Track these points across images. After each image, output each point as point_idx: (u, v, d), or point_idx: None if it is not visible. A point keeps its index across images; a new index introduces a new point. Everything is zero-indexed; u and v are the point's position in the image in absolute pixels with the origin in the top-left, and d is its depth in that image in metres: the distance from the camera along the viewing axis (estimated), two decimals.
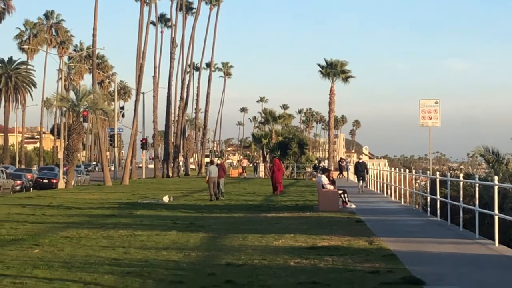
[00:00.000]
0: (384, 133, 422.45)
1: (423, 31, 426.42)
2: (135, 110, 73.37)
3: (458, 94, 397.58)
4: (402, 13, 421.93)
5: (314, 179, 59.38)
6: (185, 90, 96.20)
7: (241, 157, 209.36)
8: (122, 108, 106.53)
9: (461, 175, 25.64)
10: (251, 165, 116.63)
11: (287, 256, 15.35)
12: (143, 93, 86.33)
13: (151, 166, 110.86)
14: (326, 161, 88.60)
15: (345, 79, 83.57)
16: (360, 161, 49.64)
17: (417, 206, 30.09)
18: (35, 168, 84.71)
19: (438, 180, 25.36)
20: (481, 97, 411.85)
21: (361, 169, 44.81)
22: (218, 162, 42.38)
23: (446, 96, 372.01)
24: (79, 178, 68.50)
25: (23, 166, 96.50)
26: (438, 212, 24.41)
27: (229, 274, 12.96)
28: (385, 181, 42.00)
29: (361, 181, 44.71)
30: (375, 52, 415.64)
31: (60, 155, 62.04)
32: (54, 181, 59.93)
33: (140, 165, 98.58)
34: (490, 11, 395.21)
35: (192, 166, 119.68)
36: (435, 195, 25.03)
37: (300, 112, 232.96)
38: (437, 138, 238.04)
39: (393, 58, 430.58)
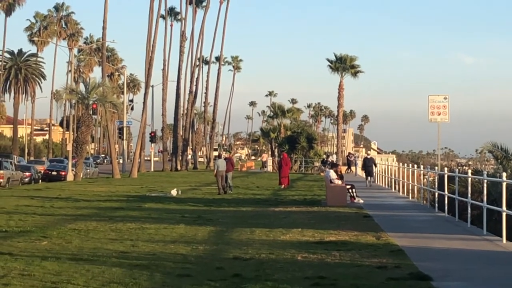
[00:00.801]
0: (392, 128, 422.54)
1: (432, 26, 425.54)
2: (144, 103, 73.49)
3: (468, 89, 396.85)
4: (411, 7, 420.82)
5: (322, 174, 59.38)
6: (194, 83, 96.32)
7: (250, 150, 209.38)
8: (131, 101, 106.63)
9: (469, 171, 25.60)
10: (259, 159, 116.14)
11: (294, 250, 15.37)
12: (152, 86, 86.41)
13: (156, 159, 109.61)
14: (335, 156, 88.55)
15: (354, 74, 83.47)
16: (368, 156, 50.32)
17: (425, 201, 30.07)
18: (44, 159, 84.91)
19: (446, 176, 25.35)
20: (491, 92, 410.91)
21: (369, 164, 45.66)
22: (226, 155, 42.39)
23: (456, 91, 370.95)
24: (88, 170, 68.63)
25: (32, 158, 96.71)
26: (446, 208, 24.39)
27: (237, 268, 12.99)
28: (393, 177, 41.97)
29: (369, 176, 45.72)
30: (385, 47, 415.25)
31: (69, 147, 62.17)
32: (63, 173, 60.01)
33: (149, 158, 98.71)
34: (501, 4, 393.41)
35: (201, 160, 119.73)
36: (443, 191, 25.01)
37: (309, 106, 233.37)
38: (446, 134, 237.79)
39: (402, 53, 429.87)
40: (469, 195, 21.20)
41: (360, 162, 61.28)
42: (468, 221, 20.81)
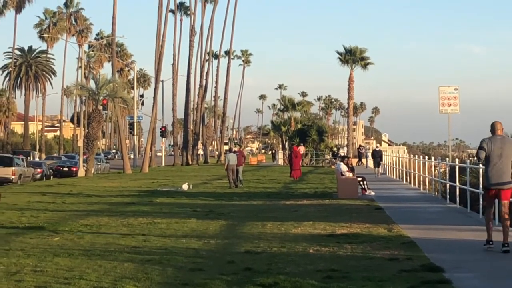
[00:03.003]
0: (403, 120, 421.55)
1: (442, 16, 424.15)
2: (155, 98, 73.51)
3: (478, 79, 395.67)
4: None
5: (333, 166, 59.38)
6: (204, 78, 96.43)
7: (260, 144, 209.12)
8: (142, 96, 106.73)
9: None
10: (269, 152, 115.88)
11: (306, 243, 15.37)
12: (162, 81, 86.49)
13: (159, 154, 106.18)
14: (345, 148, 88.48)
15: (364, 66, 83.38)
16: (377, 148, 52.34)
17: (436, 193, 30.01)
18: (56, 155, 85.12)
19: (457, 167, 25.27)
20: (501, 82, 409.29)
21: (377, 156, 49.17)
22: (236, 149, 42.32)
23: (466, 82, 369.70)
24: (99, 166, 68.77)
25: (43, 155, 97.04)
26: (458, 199, 24.33)
27: (248, 261, 12.99)
28: (404, 168, 41.91)
29: (377, 167, 49.30)
30: (394, 38, 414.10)
31: (80, 143, 62.33)
32: (74, 169, 60.21)
33: (160, 153, 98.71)
34: None
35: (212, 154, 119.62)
36: (454, 182, 24.94)
37: (319, 99, 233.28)
38: (457, 125, 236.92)
39: (412, 44, 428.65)
40: (481, 185, 21.14)
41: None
42: (480, 212, 20.74)
